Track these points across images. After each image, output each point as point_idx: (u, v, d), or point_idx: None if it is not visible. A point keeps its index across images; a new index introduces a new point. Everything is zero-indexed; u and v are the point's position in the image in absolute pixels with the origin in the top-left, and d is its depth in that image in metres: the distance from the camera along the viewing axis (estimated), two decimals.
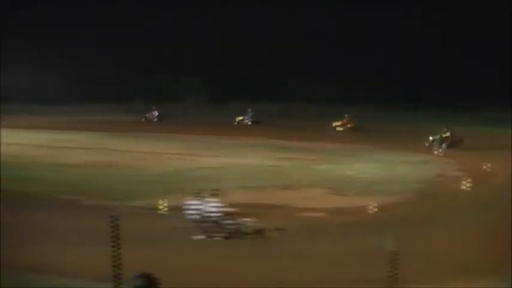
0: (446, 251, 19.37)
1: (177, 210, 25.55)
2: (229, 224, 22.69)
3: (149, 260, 14.73)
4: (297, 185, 33.41)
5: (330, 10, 71.03)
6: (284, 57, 70.63)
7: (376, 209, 26.65)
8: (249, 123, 63.68)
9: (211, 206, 23.00)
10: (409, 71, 67.18)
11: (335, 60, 68.39)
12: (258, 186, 32.97)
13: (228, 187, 32.19)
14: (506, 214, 22.63)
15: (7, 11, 76.60)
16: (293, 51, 71.09)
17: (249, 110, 64.67)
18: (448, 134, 45.97)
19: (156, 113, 66.93)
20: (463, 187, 31.22)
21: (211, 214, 22.86)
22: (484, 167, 36.42)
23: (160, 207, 26.99)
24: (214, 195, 23.45)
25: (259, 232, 22.44)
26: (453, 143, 45.48)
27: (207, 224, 22.62)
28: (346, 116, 58.75)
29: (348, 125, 57.80)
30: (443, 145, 45.42)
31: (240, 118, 64.61)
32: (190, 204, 23.52)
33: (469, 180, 31.68)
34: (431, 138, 46.24)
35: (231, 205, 25.42)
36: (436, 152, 43.19)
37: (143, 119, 66.29)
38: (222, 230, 22.46)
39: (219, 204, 23.31)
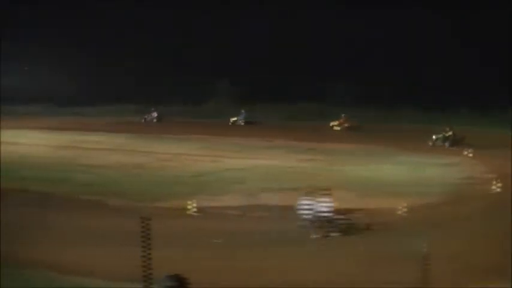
0: (475, 253, 19.20)
1: (204, 211, 25.79)
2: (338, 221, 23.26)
3: (177, 261, 14.83)
4: (323, 187, 33.23)
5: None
6: (304, 58, 70.26)
7: (403, 212, 26.43)
8: (242, 123, 64.10)
9: (323, 205, 23.58)
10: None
11: (355, 61, 67.94)
12: (283, 188, 32.85)
13: (255, 188, 32.35)
14: None
15: (31, 15, 77.48)
16: (312, 52, 70.73)
17: (243, 111, 65.02)
18: (450, 132, 47.55)
19: (155, 114, 67.58)
20: (493, 189, 30.87)
21: (323, 213, 23.43)
22: None
23: (188, 208, 27.13)
24: (325, 194, 23.97)
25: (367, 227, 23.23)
26: (455, 142, 46.90)
27: (320, 222, 23.01)
28: (343, 115, 59.24)
29: (345, 125, 58.56)
30: (446, 143, 47.06)
31: (234, 119, 64.84)
32: (303, 204, 24.17)
33: (498, 182, 31.32)
34: (434, 137, 47.75)
35: (259, 206, 25.59)
36: (465, 153, 42.75)
37: (143, 120, 66.83)
38: (333, 227, 23.03)
39: (330, 203, 23.88)
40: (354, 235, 22.95)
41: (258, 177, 35.95)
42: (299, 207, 24.33)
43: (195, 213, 26.91)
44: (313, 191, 24.03)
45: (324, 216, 23.36)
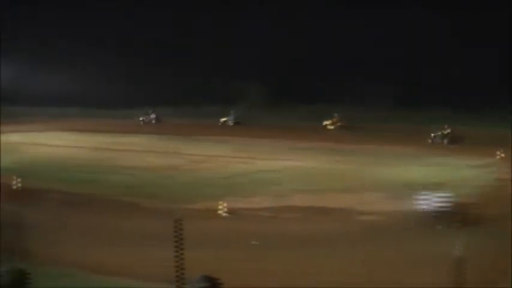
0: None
1: (236, 212, 25.94)
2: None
3: (209, 262, 14.98)
4: (355, 188, 33.20)
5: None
6: (340, 61, 69.96)
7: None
8: (231, 123, 64.75)
9: (439, 198, 24.63)
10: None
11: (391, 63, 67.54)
12: (317, 189, 32.92)
13: (289, 190, 32.43)
14: None
15: (61, 20, 78.67)
16: (348, 55, 70.37)
17: (232, 112, 65.71)
18: (448, 130, 49.13)
19: (153, 116, 68.24)
20: None
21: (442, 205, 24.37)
22: None
23: (220, 209, 27.30)
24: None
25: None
26: (454, 139, 48.47)
27: (441, 214, 23.75)
28: (335, 115, 60.18)
29: (339, 124, 59.66)
30: (445, 141, 48.74)
31: (224, 119, 65.44)
32: (424, 197, 25.22)
33: None
34: (432, 134, 49.36)
35: (291, 208, 25.63)
36: (497, 154, 42.27)
37: (141, 122, 67.38)
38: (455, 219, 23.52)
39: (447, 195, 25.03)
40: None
41: (290, 179, 36.05)
42: (419, 200, 25.29)
43: (226, 215, 27.06)
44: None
45: (445, 208, 24.03)
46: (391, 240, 22.37)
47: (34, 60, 76.16)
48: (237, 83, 73.28)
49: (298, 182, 35.05)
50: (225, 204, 27.45)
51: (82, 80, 74.82)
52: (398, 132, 51.52)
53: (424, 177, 36.14)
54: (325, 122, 60.16)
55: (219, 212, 27.24)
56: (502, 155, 41.64)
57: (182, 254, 11.94)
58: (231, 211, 27.18)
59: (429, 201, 24.60)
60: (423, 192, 25.42)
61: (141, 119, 67.65)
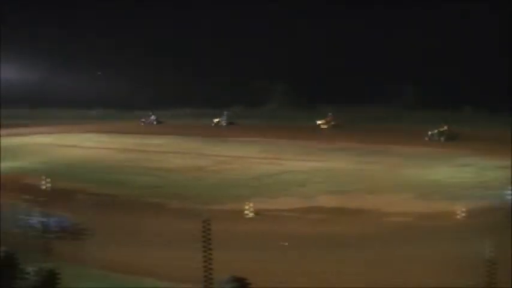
0: None
1: (262, 213, 25.96)
2: None
3: (236, 263, 15.04)
4: (382, 189, 33.05)
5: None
6: (364, 63, 69.67)
7: (464, 214, 26.00)
8: (224, 124, 65.83)
9: None
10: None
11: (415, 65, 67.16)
12: (343, 190, 32.84)
13: (315, 191, 32.41)
14: None
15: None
16: (372, 57, 70.05)
17: (225, 112, 66.68)
18: (445, 127, 50.73)
19: (153, 117, 69.02)
20: None
21: None
22: None
23: (247, 210, 27.39)
24: None
25: None
26: (450, 136, 49.95)
27: None
28: (329, 114, 61.62)
29: (332, 123, 61.23)
30: (442, 138, 50.23)
31: (217, 120, 66.42)
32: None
33: None
34: (430, 132, 50.81)
35: (318, 209, 25.55)
36: None
37: (142, 123, 68.08)
38: None
39: None
40: None
41: (316, 179, 35.99)
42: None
43: (253, 216, 27.13)
44: None
45: None
46: (421, 241, 22.27)
47: (61, 62, 77.07)
48: (262, 84, 73.34)
49: (325, 183, 35.00)
50: (251, 205, 27.51)
51: (110, 82, 75.55)
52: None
53: (452, 177, 35.95)
54: (319, 122, 61.75)
55: (246, 212, 27.30)
56: None
57: (210, 254, 12.03)
58: (257, 212, 27.24)
59: None
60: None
61: (142, 120, 68.51)
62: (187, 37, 78.74)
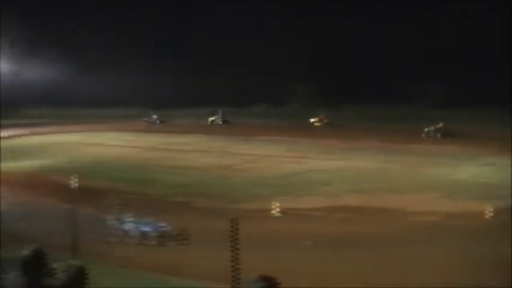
0: None
1: (288, 212, 25.86)
2: None
3: (264, 262, 15.01)
4: (408, 189, 32.84)
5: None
6: (388, 62, 69.26)
7: (490, 214, 25.71)
8: (220, 122, 68.23)
9: None
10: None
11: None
12: (368, 189, 32.72)
13: (341, 190, 32.29)
14: None
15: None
16: (400, 56, 69.57)
17: (220, 111, 68.89)
18: (441, 125, 53.65)
19: (155, 117, 69.66)
20: None
21: None
22: None
23: (273, 209, 27.36)
24: None
25: None
26: (446, 133, 52.62)
27: None
28: (322, 112, 64.91)
29: (325, 121, 64.33)
30: (438, 135, 52.99)
31: (212, 118, 69.05)
32: None
33: None
34: (426, 129, 53.94)
35: (343, 208, 25.35)
36: None
37: (144, 123, 68.59)
38: None
39: None
40: None
41: (342, 179, 35.91)
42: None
43: (279, 215, 27.10)
44: None
45: None
46: (448, 241, 22.06)
47: (84, 62, 77.75)
48: (287, 83, 73.35)
49: (349, 182, 34.94)
50: (277, 204, 27.49)
51: (137, 82, 76.13)
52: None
53: (475, 177, 35.58)
54: (312, 120, 64.72)
55: (272, 211, 27.29)
56: None
57: (237, 253, 12.03)
58: (283, 211, 27.22)
59: None
60: None
61: (144, 119, 69.26)
62: (209, 37, 79.01)
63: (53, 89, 73.97)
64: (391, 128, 56.00)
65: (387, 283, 16.94)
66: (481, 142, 45.53)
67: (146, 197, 30.70)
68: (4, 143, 55.43)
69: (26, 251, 7.40)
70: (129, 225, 22.83)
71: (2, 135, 58.40)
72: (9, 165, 42.34)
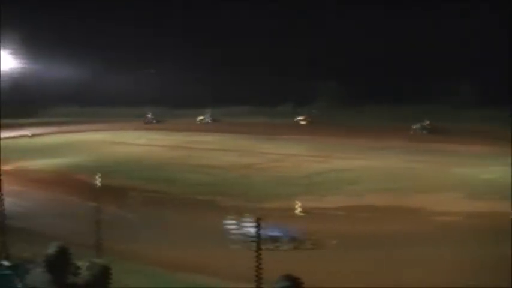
0: None
1: (311, 211, 25.78)
2: None
3: (284, 261, 14.98)
4: (432, 188, 32.54)
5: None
6: (420, 62, 68.69)
7: None
8: (210, 121, 69.71)
9: None
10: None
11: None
12: (393, 189, 32.46)
13: (364, 189, 32.12)
14: None
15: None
16: (430, 55, 69.02)
17: (209, 110, 70.24)
18: (427, 122, 56.80)
19: (150, 116, 70.04)
20: None
21: None
22: None
23: (298, 208, 27.31)
24: None
25: None
26: (431, 130, 55.57)
27: None
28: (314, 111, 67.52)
29: (309, 119, 67.08)
30: (424, 131, 56.15)
31: (201, 117, 70.53)
32: None
33: None
34: (414, 127, 56.95)
35: (367, 207, 25.21)
36: None
37: (143, 123, 68.88)
38: None
39: None
40: None
41: (365, 178, 35.68)
42: None
43: (303, 214, 27.05)
44: None
45: None
46: (473, 241, 21.83)
47: (112, 61, 78.15)
48: (313, 83, 73.19)
49: (374, 182, 34.66)
50: (301, 203, 27.43)
51: (160, 81, 76.33)
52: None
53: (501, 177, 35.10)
54: (298, 118, 67.52)
55: (296, 210, 27.24)
56: None
57: (260, 253, 12.02)
58: (307, 210, 27.15)
59: None
60: None
61: (142, 119, 69.81)
62: (238, 37, 79.07)
63: (80, 88, 74.57)
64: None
65: (407, 283, 16.85)
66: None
67: (169, 196, 30.80)
68: (32, 141, 56.29)
69: (51, 249, 7.44)
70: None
71: (29, 133, 59.43)
72: (35, 163, 42.92)
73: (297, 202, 27.63)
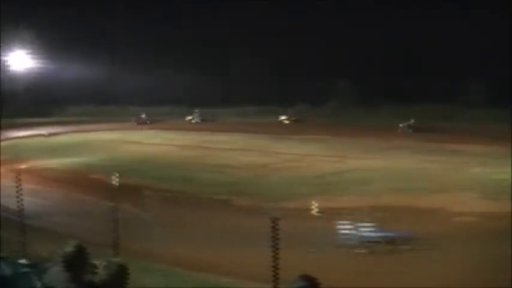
0: None
1: (327, 212, 25.67)
2: None
3: (304, 262, 14.92)
4: (447, 189, 32.30)
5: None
6: (433, 59, 68.35)
7: None
8: (199, 121, 70.03)
9: None
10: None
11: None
12: (408, 189, 32.27)
13: (379, 190, 31.98)
14: None
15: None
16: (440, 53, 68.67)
17: (196, 110, 70.45)
18: (412, 121, 59.09)
19: (144, 116, 70.22)
20: None
21: None
22: None
23: (314, 209, 27.25)
24: None
25: None
26: (417, 129, 57.31)
27: None
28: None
29: (293, 118, 68.28)
30: (410, 130, 58.27)
31: (190, 117, 70.46)
32: None
33: None
34: (401, 125, 59.09)
35: (383, 208, 25.08)
36: None
37: (135, 123, 68.77)
38: None
39: None
40: None
41: (381, 178, 35.50)
42: None
43: (318, 214, 26.97)
44: None
45: None
46: (491, 242, 21.64)
47: (126, 60, 78.45)
48: (324, 82, 73.05)
49: (390, 182, 34.47)
50: (317, 204, 27.38)
51: (173, 80, 76.50)
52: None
53: None
54: (282, 117, 68.27)
55: (312, 211, 27.18)
56: None
57: (278, 253, 11.98)
58: (323, 210, 27.06)
59: None
60: None
61: (134, 119, 69.89)
62: (251, 37, 79.05)
63: (96, 87, 74.96)
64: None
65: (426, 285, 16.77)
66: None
67: (185, 195, 30.82)
68: (48, 140, 56.67)
69: (68, 248, 7.45)
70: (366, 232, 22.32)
71: (45, 132, 59.83)
72: (51, 162, 43.19)
73: (314, 202, 27.57)
